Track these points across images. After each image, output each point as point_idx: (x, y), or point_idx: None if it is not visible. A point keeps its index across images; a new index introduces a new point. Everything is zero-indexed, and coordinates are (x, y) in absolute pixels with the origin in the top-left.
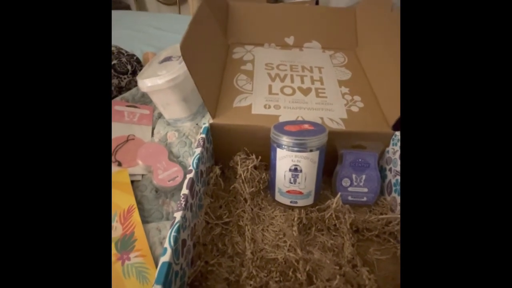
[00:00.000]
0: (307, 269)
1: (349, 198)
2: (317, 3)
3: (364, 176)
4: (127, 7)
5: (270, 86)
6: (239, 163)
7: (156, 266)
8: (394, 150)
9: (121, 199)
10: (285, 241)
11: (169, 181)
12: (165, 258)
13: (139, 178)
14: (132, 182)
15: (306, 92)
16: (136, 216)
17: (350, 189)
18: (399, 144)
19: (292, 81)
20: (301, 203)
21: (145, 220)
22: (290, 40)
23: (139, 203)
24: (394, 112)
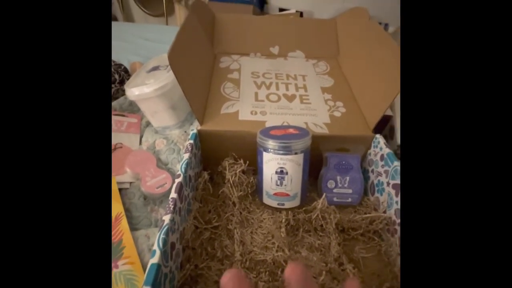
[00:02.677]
0: None
1: (335, 199)
2: (301, 15)
3: (348, 178)
4: (114, 19)
5: (256, 94)
6: (227, 168)
7: (145, 272)
8: (375, 152)
9: None
10: (273, 243)
11: (157, 188)
12: (154, 259)
13: (127, 186)
14: (120, 190)
15: (290, 98)
16: (124, 224)
17: (335, 190)
18: (379, 146)
19: (277, 88)
20: (288, 205)
21: (133, 227)
22: (275, 50)
23: (127, 210)
24: (374, 116)
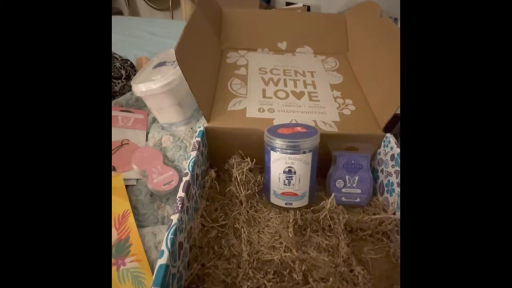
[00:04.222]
0: (303, 269)
1: (343, 199)
2: (308, 9)
3: (357, 177)
4: (120, 13)
5: (264, 90)
6: (234, 166)
7: (152, 271)
8: (385, 152)
9: (116, 204)
10: (281, 243)
11: (164, 185)
12: (163, 260)
13: (134, 182)
14: (127, 186)
15: (299, 95)
16: (131, 221)
17: (343, 190)
18: (390, 145)
19: (286, 85)
20: (296, 204)
21: (140, 225)
22: (282, 45)
23: (134, 207)
24: (384, 114)
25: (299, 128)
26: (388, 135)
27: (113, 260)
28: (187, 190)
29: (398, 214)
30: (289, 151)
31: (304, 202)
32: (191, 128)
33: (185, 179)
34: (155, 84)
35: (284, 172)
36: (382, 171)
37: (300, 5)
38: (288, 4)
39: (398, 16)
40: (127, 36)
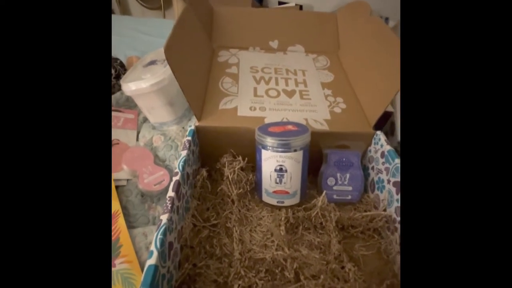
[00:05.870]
0: (295, 267)
1: (334, 196)
2: (301, 9)
3: (348, 175)
4: (111, 11)
5: (255, 89)
6: (226, 165)
7: (143, 272)
8: (375, 149)
9: None
10: (272, 241)
11: (155, 185)
12: (152, 261)
13: (124, 183)
14: (117, 187)
15: (290, 94)
16: (121, 222)
17: (335, 187)
18: (380, 143)
19: (277, 83)
20: (287, 202)
21: (130, 226)
22: (274, 44)
23: (124, 208)
24: (375, 112)
25: (290, 127)
26: (378, 132)
27: None
28: (177, 189)
29: (388, 210)
30: (280, 149)
31: (296, 200)
32: (183, 128)
33: (175, 178)
34: (145, 83)
35: (276, 170)
36: (372, 168)
37: (293, 4)
38: (280, 3)
39: (389, 15)
40: (118, 35)
